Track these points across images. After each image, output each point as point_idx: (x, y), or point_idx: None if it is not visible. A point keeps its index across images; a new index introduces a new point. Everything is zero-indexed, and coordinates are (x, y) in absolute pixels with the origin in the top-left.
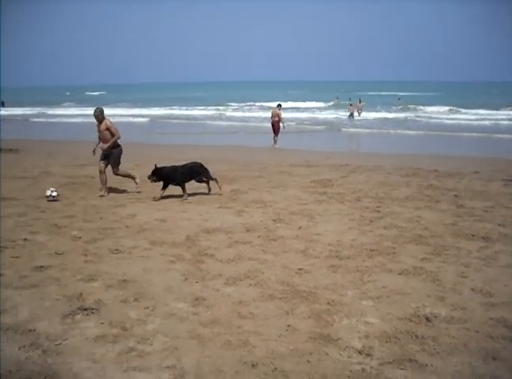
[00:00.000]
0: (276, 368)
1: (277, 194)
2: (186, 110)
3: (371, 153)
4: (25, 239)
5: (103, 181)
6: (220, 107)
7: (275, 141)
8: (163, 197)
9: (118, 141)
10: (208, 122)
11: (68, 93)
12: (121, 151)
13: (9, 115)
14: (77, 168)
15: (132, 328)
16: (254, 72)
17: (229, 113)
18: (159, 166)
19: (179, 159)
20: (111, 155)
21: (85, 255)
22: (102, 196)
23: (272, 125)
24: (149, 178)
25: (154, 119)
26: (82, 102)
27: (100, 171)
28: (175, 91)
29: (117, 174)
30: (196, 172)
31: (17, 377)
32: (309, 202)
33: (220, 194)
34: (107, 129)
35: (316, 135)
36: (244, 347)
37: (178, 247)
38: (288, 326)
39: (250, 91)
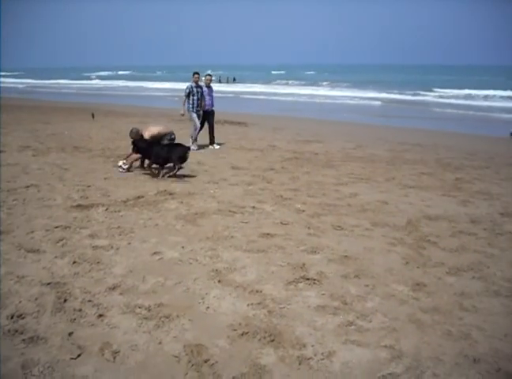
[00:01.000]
0: (500, 368)
1: (506, 187)
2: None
3: None
4: (253, 207)
5: None
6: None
7: None
8: (381, 180)
9: None
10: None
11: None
12: None
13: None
14: (301, 144)
15: (352, 303)
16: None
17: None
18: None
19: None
20: None
21: (308, 228)
22: None
23: None
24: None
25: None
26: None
27: None
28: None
29: None
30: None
31: (246, 329)
32: None
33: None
34: None
35: None
36: (465, 340)
37: (399, 230)
38: None
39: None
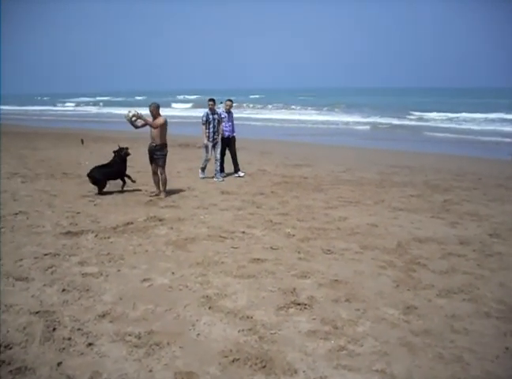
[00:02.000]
0: None
1: (494, 208)
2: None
3: None
4: (243, 232)
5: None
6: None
7: None
8: (370, 203)
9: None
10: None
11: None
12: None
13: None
14: (290, 168)
15: (343, 327)
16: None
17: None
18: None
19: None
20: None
21: (298, 252)
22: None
23: None
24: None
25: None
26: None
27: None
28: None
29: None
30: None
31: (237, 356)
32: None
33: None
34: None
35: None
36: (457, 363)
37: (389, 253)
38: (507, 349)
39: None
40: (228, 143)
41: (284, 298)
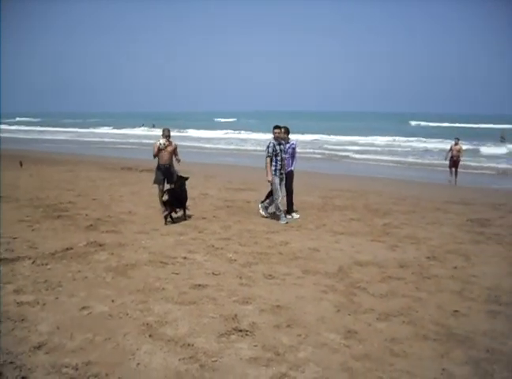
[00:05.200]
0: None
1: (432, 231)
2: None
3: None
4: (185, 257)
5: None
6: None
7: (456, 176)
8: (312, 227)
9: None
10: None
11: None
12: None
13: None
14: (232, 192)
15: (284, 353)
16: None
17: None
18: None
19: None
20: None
21: (240, 278)
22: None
23: (455, 160)
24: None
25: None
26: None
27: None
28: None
29: None
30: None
31: None
32: (465, 241)
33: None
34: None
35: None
36: None
37: (330, 278)
38: (443, 370)
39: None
40: (286, 179)
41: (226, 324)
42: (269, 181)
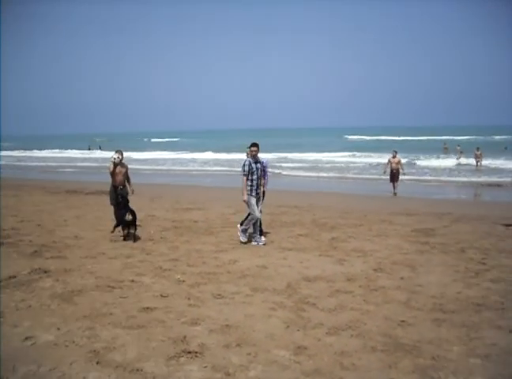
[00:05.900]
0: None
1: (378, 243)
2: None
3: (475, 202)
4: (132, 280)
5: None
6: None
7: (395, 188)
8: (264, 245)
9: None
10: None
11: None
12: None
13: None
14: (180, 212)
15: (235, 373)
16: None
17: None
18: None
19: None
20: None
21: (189, 299)
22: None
23: (394, 173)
24: None
25: None
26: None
27: None
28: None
29: None
30: None
31: None
32: (410, 252)
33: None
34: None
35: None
36: None
37: (279, 294)
38: None
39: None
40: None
41: (175, 347)
42: (244, 200)
